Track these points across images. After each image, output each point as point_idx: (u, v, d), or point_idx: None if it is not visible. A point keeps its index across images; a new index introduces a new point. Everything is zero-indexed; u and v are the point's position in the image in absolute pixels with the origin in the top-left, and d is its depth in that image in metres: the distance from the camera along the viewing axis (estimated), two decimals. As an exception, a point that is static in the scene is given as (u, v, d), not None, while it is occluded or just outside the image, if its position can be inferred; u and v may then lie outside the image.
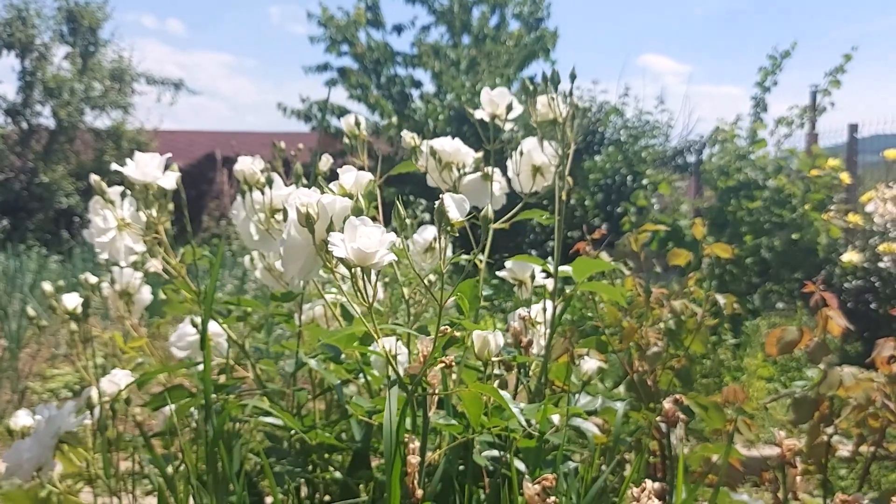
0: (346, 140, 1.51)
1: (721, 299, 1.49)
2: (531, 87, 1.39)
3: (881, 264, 5.04)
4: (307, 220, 0.92)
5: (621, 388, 1.59)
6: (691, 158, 7.92)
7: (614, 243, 6.27)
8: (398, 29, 9.60)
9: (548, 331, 1.36)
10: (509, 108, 1.51)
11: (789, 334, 1.43)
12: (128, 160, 1.20)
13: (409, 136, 1.51)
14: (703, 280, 5.31)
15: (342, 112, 9.05)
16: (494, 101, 1.52)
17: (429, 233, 1.69)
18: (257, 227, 1.24)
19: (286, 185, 1.23)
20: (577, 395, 1.38)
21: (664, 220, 5.39)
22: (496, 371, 1.42)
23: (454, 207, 0.95)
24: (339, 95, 9.80)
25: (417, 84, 9.42)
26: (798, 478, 1.19)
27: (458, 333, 1.25)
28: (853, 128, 6.54)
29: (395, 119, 8.38)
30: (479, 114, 1.55)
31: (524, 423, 0.97)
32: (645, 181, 6.71)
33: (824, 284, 5.10)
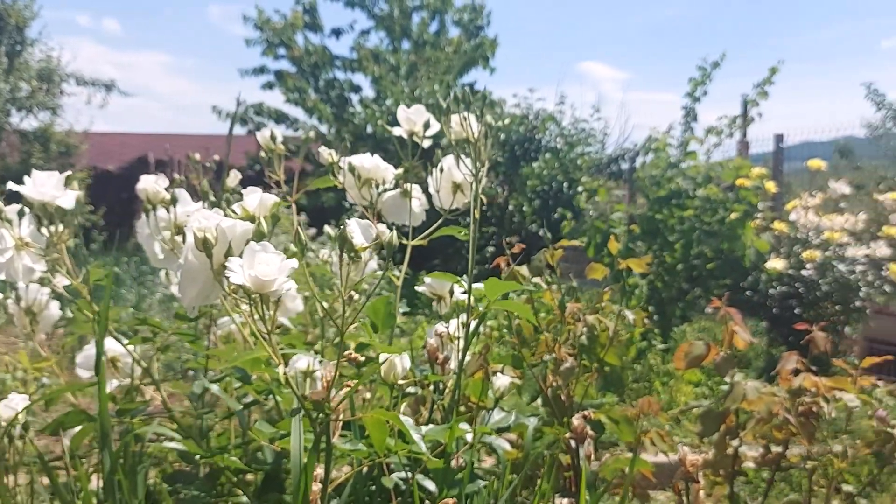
0: (262, 154, 1.49)
1: (630, 315, 1.52)
2: (445, 106, 1.39)
3: (804, 271, 5.23)
4: (205, 245, 0.90)
5: (539, 403, 1.61)
6: (625, 166, 8.07)
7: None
8: (337, 33, 9.54)
9: (461, 347, 1.36)
10: (426, 125, 1.51)
11: (696, 349, 1.47)
12: (26, 177, 1.15)
13: (325, 152, 1.49)
14: (635, 288, 5.42)
15: (279, 116, 8.95)
16: (411, 119, 1.52)
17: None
18: (162, 247, 1.21)
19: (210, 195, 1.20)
20: (490, 412, 1.39)
21: (600, 227, 5.48)
22: (411, 389, 1.42)
23: (359, 233, 0.95)
24: (277, 99, 9.70)
25: (357, 88, 9.38)
26: (701, 492, 1.22)
27: (373, 353, 1.25)
28: (779, 138, 6.77)
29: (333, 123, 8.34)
30: (397, 131, 1.55)
31: (424, 448, 0.97)
32: (580, 188, 6.81)
33: (751, 290, 5.23)
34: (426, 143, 1.55)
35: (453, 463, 1.28)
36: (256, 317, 0.91)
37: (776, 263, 5.22)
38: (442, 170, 1.55)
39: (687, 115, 6.60)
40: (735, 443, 1.41)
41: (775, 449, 1.45)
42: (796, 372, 1.51)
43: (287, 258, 0.90)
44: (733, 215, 5.26)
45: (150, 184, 1.17)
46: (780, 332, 5.47)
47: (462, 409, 1.44)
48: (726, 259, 5.40)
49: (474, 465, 1.30)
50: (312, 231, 5.56)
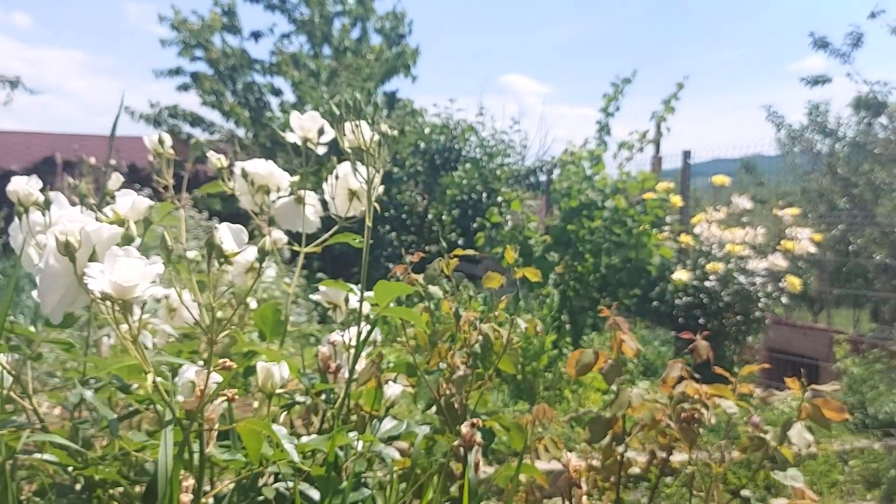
0: (150, 159, 1.45)
1: (522, 323, 1.54)
2: (337, 113, 1.38)
3: (708, 283, 5.43)
4: (67, 249, 0.87)
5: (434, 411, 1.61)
6: (543, 178, 8.22)
7: (479, 259, 6.33)
8: (256, 36, 9.39)
9: (352, 355, 1.35)
10: (321, 132, 1.50)
11: (585, 357, 1.50)
12: None
13: (214, 157, 1.46)
14: (547, 297, 5.52)
15: (194, 118, 8.74)
16: (305, 126, 1.50)
17: (250, 253, 1.65)
18: (38, 251, 1.16)
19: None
20: (381, 421, 1.38)
21: (514, 237, 5.56)
22: (300, 398, 1.40)
23: (230, 238, 0.93)
24: (193, 101, 9.46)
25: (277, 92, 9.25)
26: (584, 497, 1.24)
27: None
28: (686, 154, 7.01)
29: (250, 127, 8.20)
30: (290, 137, 1.53)
31: (297, 458, 0.96)
32: (499, 198, 6.90)
33: (658, 300, 5.37)
34: (321, 150, 1.53)
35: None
36: (120, 322, 0.88)
37: (682, 275, 5.40)
38: (338, 177, 1.54)
39: (601, 129, 6.79)
40: (621, 449, 1.45)
41: (660, 454, 1.50)
42: (703, 379, 1.56)
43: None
44: (640, 227, 5.43)
45: (22, 186, 1.12)
46: (685, 341, 5.63)
47: (355, 417, 1.43)
48: (635, 269, 5.56)
49: (363, 475, 1.29)
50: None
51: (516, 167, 8.25)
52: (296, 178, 1.56)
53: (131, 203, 1.00)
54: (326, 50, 9.25)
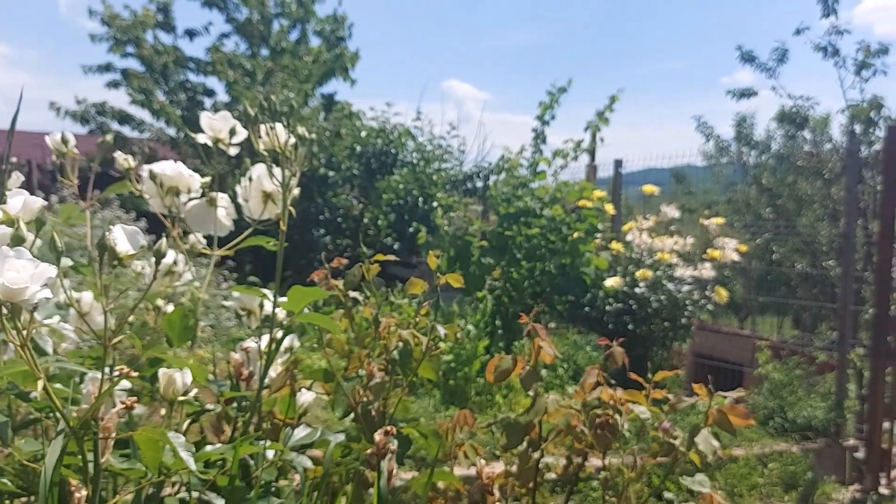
0: (54, 158, 1.39)
1: (442, 329, 1.54)
2: (252, 114, 1.35)
3: (637, 289, 5.54)
4: (-52, 250, 0.82)
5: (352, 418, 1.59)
6: (480, 184, 8.26)
7: (416, 264, 6.30)
8: (191, 34, 9.18)
9: (264, 362, 1.33)
10: (232, 132, 1.47)
11: (504, 363, 1.51)
12: None
13: (122, 157, 1.41)
14: (482, 300, 5.54)
15: (123, 116, 8.49)
16: (216, 126, 1.47)
17: (169, 256, 1.61)
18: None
19: None
20: (293, 429, 1.36)
21: (455, 241, 5.57)
22: (210, 406, 1.36)
23: (124, 240, 0.89)
24: (124, 99, 9.20)
25: (210, 93, 9.06)
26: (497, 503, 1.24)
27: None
28: (618, 162, 7.15)
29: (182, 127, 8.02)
30: (201, 138, 1.49)
31: (193, 467, 0.93)
32: (435, 203, 6.90)
33: (590, 307, 5.44)
34: (233, 151, 1.50)
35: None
36: (8, 326, 0.84)
37: (612, 281, 5.51)
38: (251, 179, 1.50)
39: (537, 137, 6.85)
40: (536, 455, 1.46)
41: (576, 460, 1.51)
42: (650, 385, 1.57)
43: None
44: (575, 234, 5.51)
45: None
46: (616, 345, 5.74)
47: (266, 425, 1.40)
48: (568, 276, 5.63)
49: (273, 483, 1.27)
50: (150, 238, 5.29)
51: (454, 172, 8.28)
52: (207, 179, 1.51)
53: (22, 203, 0.96)
54: (264, 51, 9.11)
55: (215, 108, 8.53)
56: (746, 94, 6.77)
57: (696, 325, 6.58)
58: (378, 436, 1.26)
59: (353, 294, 1.68)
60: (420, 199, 7.33)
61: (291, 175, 1.35)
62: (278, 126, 1.29)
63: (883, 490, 4.72)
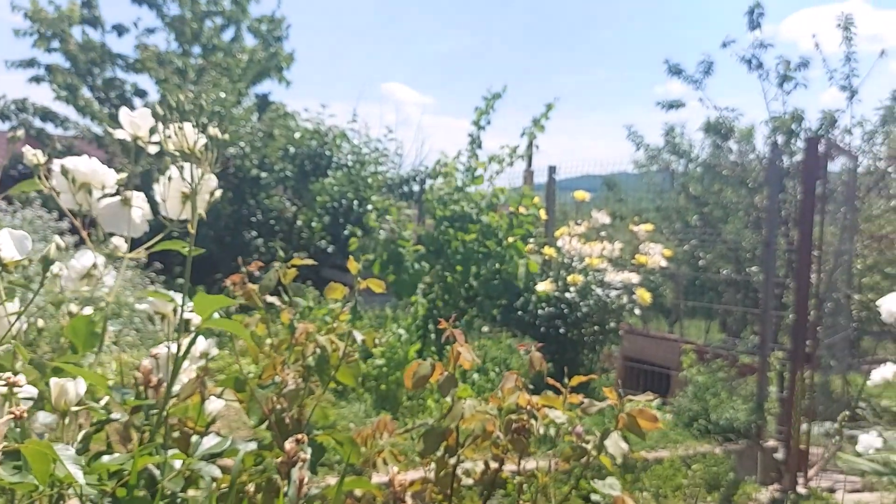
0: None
1: (359, 336, 1.52)
2: (162, 113, 1.31)
3: (568, 294, 5.62)
4: None
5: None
6: (417, 188, 8.26)
7: (342, 266, 6.18)
8: (119, 30, 8.93)
9: (171, 369, 1.29)
10: (152, 130, 1.43)
11: (423, 369, 1.50)
12: None
13: (30, 153, 1.35)
14: (415, 304, 5.53)
15: (46, 113, 8.19)
16: (136, 123, 1.42)
17: (87, 258, 1.54)
18: None
19: None
20: (202, 437, 1.32)
21: (387, 246, 5.54)
22: (116, 415, 1.32)
23: (10, 245, 0.85)
24: (48, 95, 8.87)
25: (142, 93, 8.83)
26: (409, 511, 1.23)
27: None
28: (552, 169, 7.25)
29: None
30: (119, 134, 1.45)
31: (81, 479, 0.89)
32: (370, 206, 6.87)
33: (522, 311, 5.48)
34: (152, 149, 1.46)
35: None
36: None
37: (545, 286, 5.57)
38: (170, 178, 1.46)
39: (473, 142, 6.87)
40: (453, 461, 1.45)
41: (493, 465, 1.51)
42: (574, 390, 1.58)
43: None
44: (510, 239, 5.56)
45: None
46: (547, 349, 5.80)
47: (175, 433, 1.36)
48: (503, 280, 5.68)
49: (179, 494, 1.23)
50: (75, 238, 5.12)
51: (390, 176, 8.26)
52: (123, 176, 1.47)
53: None
54: (197, 49, 8.92)
55: (147, 107, 8.28)
56: (674, 105, 6.94)
57: (624, 329, 6.72)
58: (288, 444, 1.24)
59: (270, 299, 1.65)
60: (355, 202, 7.28)
61: (202, 176, 1.31)
62: (187, 126, 1.25)
63: (801, 489, 4.89)
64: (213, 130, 1.33)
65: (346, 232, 7.18)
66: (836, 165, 6.43)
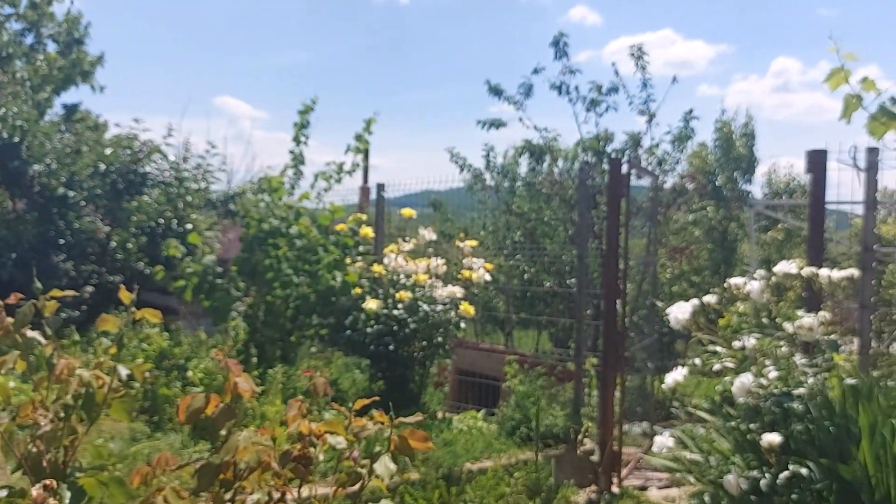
0: None
1: (124, 370, 1.44)
2: None
3: (396, 311, 5.65)
4: None
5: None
6: (240, 204, 8.00)
7: (172, 291, 5.83)
8: None
9: None
10: None
11: (196, 402, 1.44)
12: None
13: None
14: (234, 327, 5.34)
15: None
16: None
17: None
18: None
19: None
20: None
21: (196, 269, 5.31)
22: None
23: None
24: None
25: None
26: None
27: None
28: (380, 186, 7.29)
29: None
30: None
31: None
32: (189, 225, 6.57)
33: (351, 329, 5.42)
34: None
35: None
36: None
37: (372, 303, 5.57)
38: None
39: (294, 158, 6.76)
40: (228, 495, 1.40)
41: (275, 495, 1.47)
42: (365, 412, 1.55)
43: None
44: (331, 257, 5.50)
45: None
46: (377, 367, 5.82)
47: None
48: (327, 300, 5.60)
49: None
50: None
51: (214, 193, 7.96)
52: None
53: None
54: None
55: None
56: (495, 124, 7.21)
57: (455, 343, 6.85)
58: (35, 490, 1.14)
59: (31, 334, 1.52)
60: (174, 221, 6.94)
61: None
62: None
63: (615, 489, 5.16)
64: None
65: (165, 253, 6.83)
66: (645, 182, 6.94)
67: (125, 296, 1.55)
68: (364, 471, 1.37)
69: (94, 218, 7.05)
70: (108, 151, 6.96)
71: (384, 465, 1.32)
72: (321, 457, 1.39)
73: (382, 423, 1.39)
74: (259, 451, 1.36)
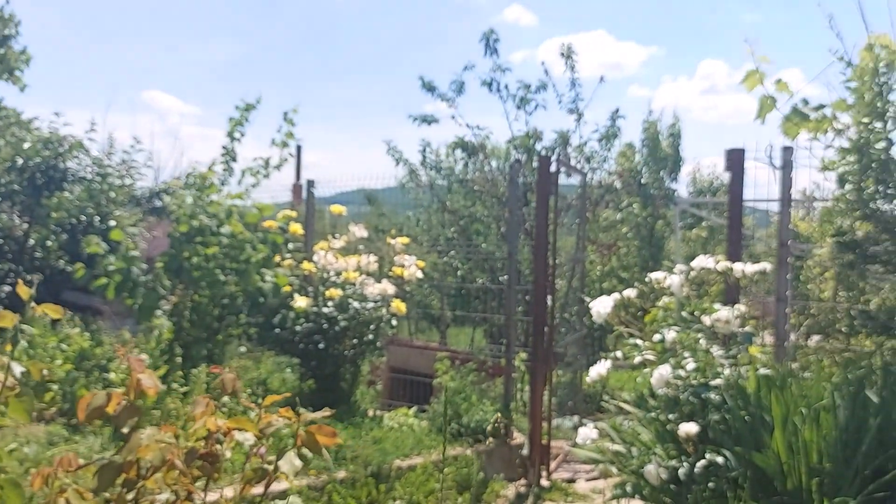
0: None
1: (18, 368, 1.38)
2: None
3: (326, 309, 5.59)
4: None
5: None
6: (168, 201, 7.81)
7: (94, 290, 5.63)
8: None
9: None
10: None
11: (97, 400, 1.39)
12: None
13: None
14: (158, 326, 5.21)
15: None
16: None
17: None
18: None
19: None
20: None
21: (119, 266, 5.16)
22: None
23: None
24: None
25: None
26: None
27: None
28: (310, 183, 7.21)
29: None
30: None
31: None
32: (112, 222, 6.37)
33: (280, 328, 5.35)
34: None
35: None
36: None
37: (302, 301, 5.50)
38: None
39: (226, 154, 6.62)
40: (131, 495, 1.36)
41: (181, 494, 1.44)
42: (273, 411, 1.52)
43: None
44: (259, 255, 5.41)
45: None
46: (308, 366, 5.75)
47: None
48: (254, 298, 5.51)
49: None
50: None
51: (140, 189, 7.74)
52: None
53: None
54: None
55: None
56: (427, 120, 7.21)
57: (387, 340, 6.83)
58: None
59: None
60: (97, 218, 6.71)
61: None
62: None
63: (544, 482, 5.23)
64: None
65: (87, 251, 6.61)
66: (574, 180, 7.05)
67: (23, 291, 1.49)
68: (270, 467, 1.35)
69: (10, 215, 6.77)
70: (26, 146, 6.69)
71: (289, 462, 1.30)
72: (228, 454, 1.36)
73: (289, 419, 1.37)
74: (163, 450, 1.33)
